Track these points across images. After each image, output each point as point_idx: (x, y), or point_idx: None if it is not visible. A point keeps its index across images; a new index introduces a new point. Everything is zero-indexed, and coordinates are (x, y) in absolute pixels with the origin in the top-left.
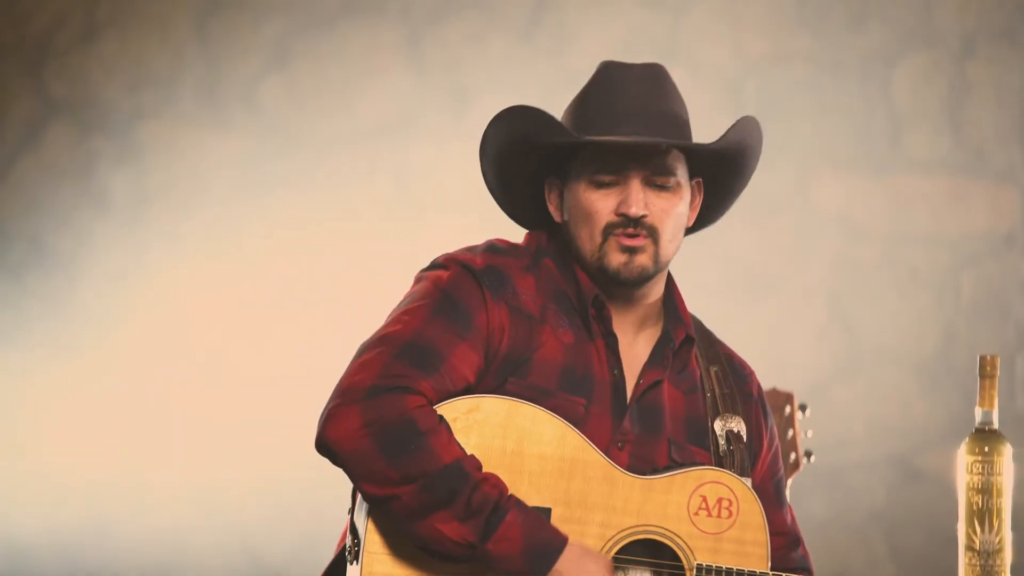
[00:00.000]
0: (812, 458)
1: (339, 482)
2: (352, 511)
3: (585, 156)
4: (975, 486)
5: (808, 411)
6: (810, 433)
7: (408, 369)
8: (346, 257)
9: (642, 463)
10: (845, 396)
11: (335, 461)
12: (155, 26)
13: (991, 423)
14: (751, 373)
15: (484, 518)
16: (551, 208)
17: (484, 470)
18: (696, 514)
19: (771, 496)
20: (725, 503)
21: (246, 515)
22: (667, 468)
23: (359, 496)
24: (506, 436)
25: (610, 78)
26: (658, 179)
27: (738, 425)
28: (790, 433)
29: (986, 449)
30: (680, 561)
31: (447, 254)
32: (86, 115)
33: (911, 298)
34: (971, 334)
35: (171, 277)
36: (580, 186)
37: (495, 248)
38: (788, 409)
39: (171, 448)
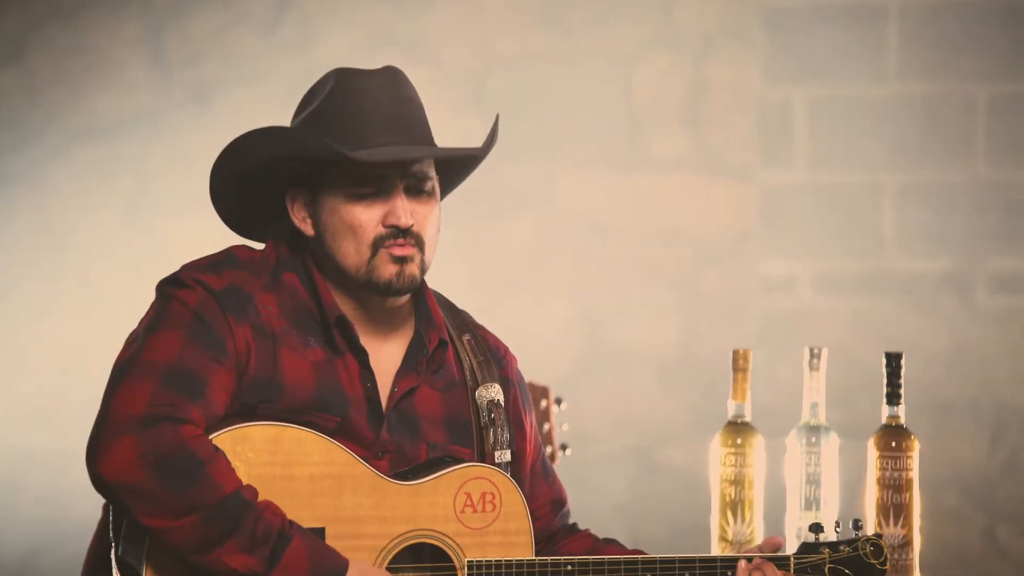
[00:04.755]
0: (568, 451)
1: None
2: (117, 550)
3: (341, 168)
4: (728, 477)
5: (564, 404)
6: (565, 426)
7: (176, 397)
8: (85, 255)
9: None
10: (588, 392)
11: (110, 495)
12: None
13: (743, 416)
14: (507, 355)
15: (270, 547)
16: (297, 221)
17: (260, 498)
18: (462, 512)
19: (539, 473)
20: (489, 497)
21: None
22: (427, 467)
23: (128, 533)
24: (274, 462)
25: (352, 87)
26: (419, 185)
27: (496, 393)
28: (546, 427)
29: (739, 441)
30: (452, 561)
31: (188, 270)
32: None
33: (652, 295)
34: (711, 331)
35: None
36: (338, 199)
37: (234, 261)
38: (544, 403)
39: None
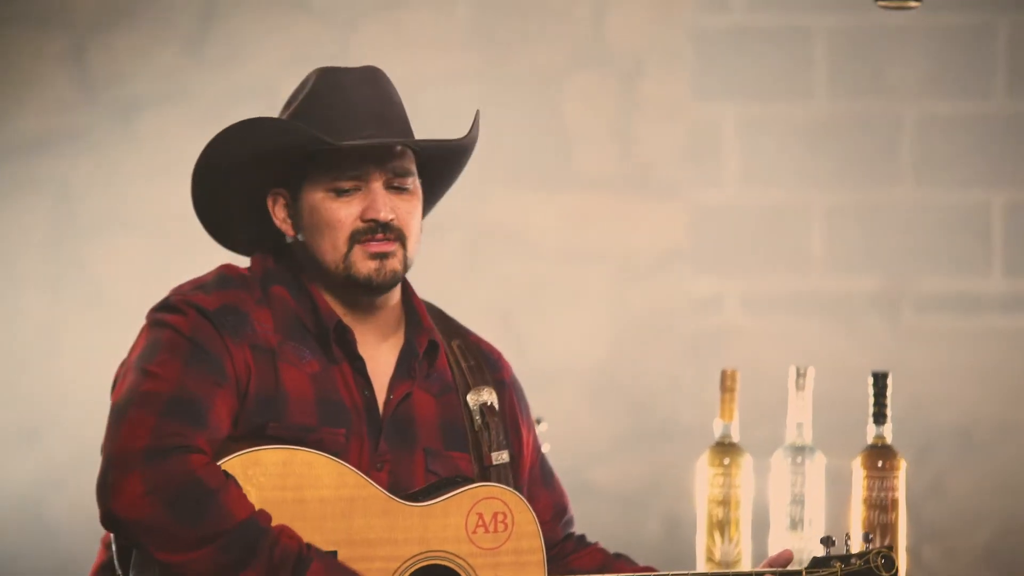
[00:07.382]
0: None
1: None
2: None
3: (320, 164)
4: (716, 498)
5: (544, 425)
6: (546, 447)
7: (181, 427)
8: (8, 276)
9: (401, 480)
10: None
11: (124, 533)
12: None
13: (731, 436)
14: (501, 360)
15: (289, 572)
16: (278, 222)
17: (273, 523)
18: (474, 532)
19: (538, 478)
20: (500, 517)
21: None
22: (437, 488)
23: (138, 566)
24: (285, 486)
25: (333, 82)
26: (398, 181)
27: (490, 396)
28: None
29: (726, 461)
30: None
31: (179, 293)
32: None
33: (580, 313)
34: (639, 349)
35: None
36: (316, 196)
37: (226, 281)
38: None
39: None
